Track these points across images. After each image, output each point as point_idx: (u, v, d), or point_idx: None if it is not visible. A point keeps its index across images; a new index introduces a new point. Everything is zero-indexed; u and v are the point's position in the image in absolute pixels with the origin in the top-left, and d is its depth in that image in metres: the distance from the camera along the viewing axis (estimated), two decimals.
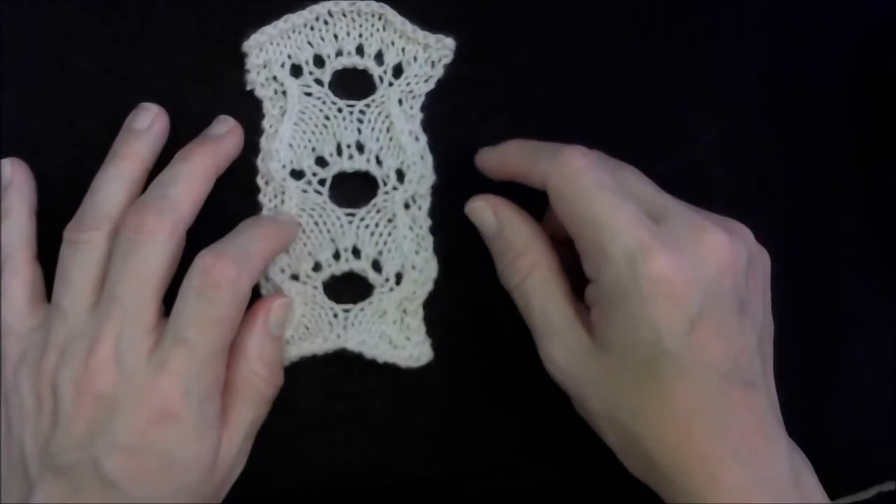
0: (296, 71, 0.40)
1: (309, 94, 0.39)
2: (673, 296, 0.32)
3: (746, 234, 0.36)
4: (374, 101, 0.40)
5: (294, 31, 0.39)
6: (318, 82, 0.40)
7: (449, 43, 0.40)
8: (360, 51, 0.40)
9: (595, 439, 0.36)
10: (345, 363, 0.39)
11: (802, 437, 0.35)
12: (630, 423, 0.34)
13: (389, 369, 0.40)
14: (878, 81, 0.44)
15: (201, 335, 0.34)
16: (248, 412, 0.36)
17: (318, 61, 0.40)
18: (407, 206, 0.39)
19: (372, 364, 0.39)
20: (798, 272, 0.43)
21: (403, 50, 0.40)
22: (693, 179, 0.42)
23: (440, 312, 0.40)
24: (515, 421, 0.41)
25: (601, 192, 0.34)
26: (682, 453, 0.33)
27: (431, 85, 0.40)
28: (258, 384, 0.36)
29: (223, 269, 0.34)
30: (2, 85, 0.38)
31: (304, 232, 0.39)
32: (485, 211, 0.37)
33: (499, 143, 0.38)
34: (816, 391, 0.43)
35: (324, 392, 0.40)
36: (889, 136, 0.44)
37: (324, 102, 0.39)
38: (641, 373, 0.33)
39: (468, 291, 0.40)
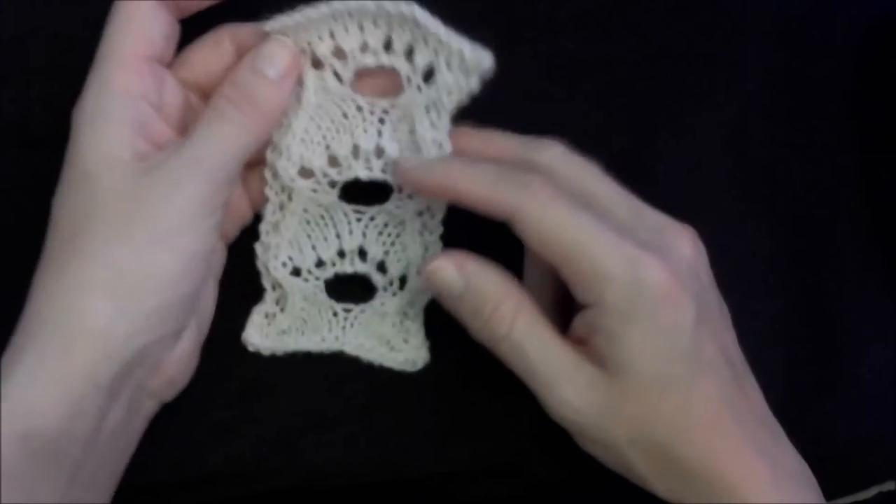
0: (315, 63, 0.36)
1: (327, 87, 0.36)
2: (674, 301, 0.33)
3: (689, 227, 0.36)
4: (399, 103, 0.36)
5: (317, 21, 0.35)
6: (338, 77, 0.36)
7: (485, 60, 0.35)
8: (388, 46, 0.35)
9: None
10: (345, 363, 0.39)
11: (802, 437, 0.35)
12: (660, 437, 0.33)
13: (389, 370, 0.40)
14: (879, 81, 0.44)
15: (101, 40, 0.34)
16: (204, 127, 0.34)
17: (340, 54, 0.36)
18: (420, 213, 0.38)
19: (372, 364, 0.39)
20: (797, 272, 0.43)
21: (436, 52, 0.35)
22: (693, 179, 0.42)
23: (441, 311, 0.40)
24: (515, 421, 0.41)
25: (579, 214, 0.33)
26: (714, 454, 0.33)
27: (464, 98, 0.35)
28: (220, 102, 0.34)
29: None
30: (2, 84, 0.39)
31: (308, 224, 0.38)
32: (446, 270, 0.35)
33: None
34: (816, 391, 0.43)
35: (324, 392, 0.40)
36: (889, 136, 0.44)
37: (343, 99, 0.36)
38: (662, 383, 0.33)
39: None
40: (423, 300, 0.39)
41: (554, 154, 0.35)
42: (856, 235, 0.44)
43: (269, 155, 0.37)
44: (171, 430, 0.38)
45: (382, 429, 0.40)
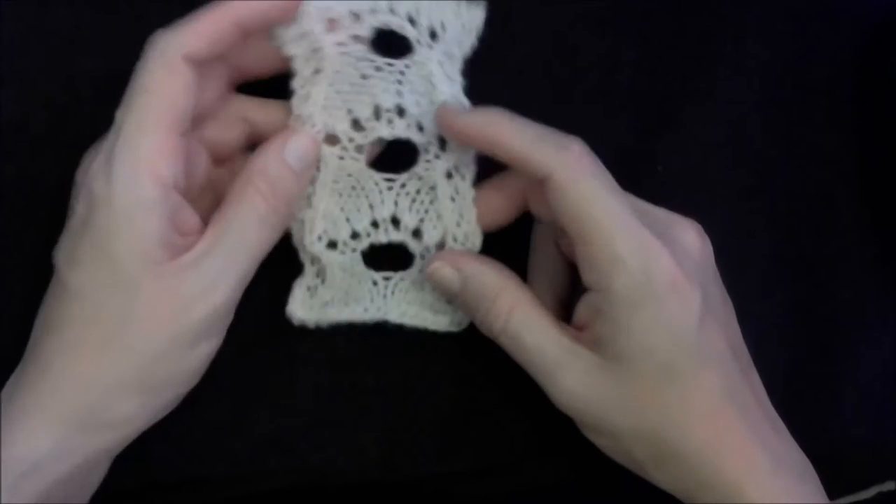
0: (331, 26, 0.36)
1: (345, 53, 0.36)
2: (681, 294, 0.33)
3: (695, 222, 0.36)
4: (414, 61, 0.37)
5: None
6: (357, 38, 0.36)
7: (478, 13, 0.37)
8: (392, 10, 0.36)
9: None
10: (344, 363, 0.40)
11: (802, 437, 0.35)
12: (659, 427, 0.33)
13: (389, 369, 0.40)
14: (879, 81, 0.44)
15: (127, 108, 0.33)
16: (238, 224, 0.33)
17: (355, 16, 0.36)
18: (449, 175, 0.38)
19: (371, 364, 0.39)
20: (797, 272, 0.43)
21: (434, 14, 0.36)
22: (693, 179, 0.42)
23: None
24: (515, 421, 0.41)
25: (609, 194, 0.33)
26: (713, 447, 0.33)
27: (466, 50, 0.37)
28: (253, 197, 0.34)
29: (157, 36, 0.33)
30: (2, 84, 0.38)
31: (340, 196, 0.38)
32: (443, 269, 0.36)
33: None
34: (816, 391, 0.43)
35: (324, 392, 0.40)
36: (889, 136, 0.44)
37: (360, 59, 0.36)
38: (663, 374, 0.33)
39: None
40: None
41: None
42: (855, 235, 0.44)
43: (292, 125, 0.37)
44: (171, 430, 0.38)
45: (382, 429, 0.40)
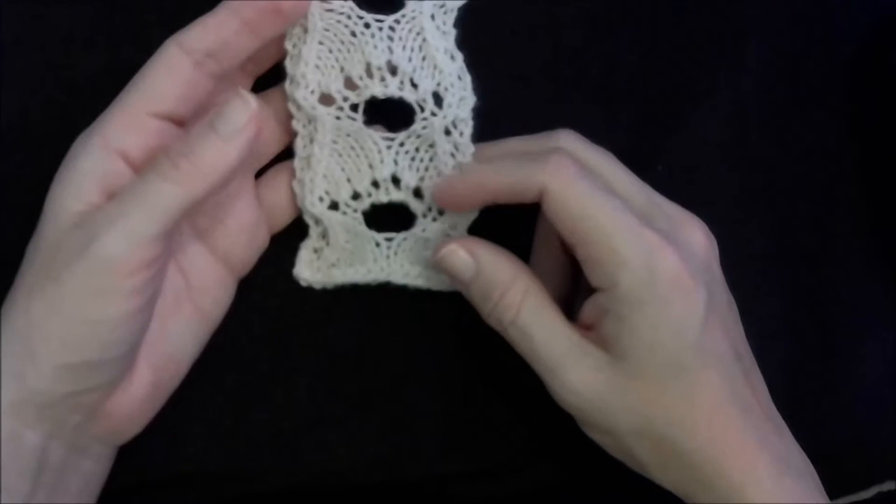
0: None
1: (331, 10, 0.36)
2: (686, 292, 0.33)
3: (700, 220, 0.36)
4: (404, 15, 0.36)
5: None
6: None
7: None
8: None
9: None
10: (344, 363, 0.40)
11: (802, 437, 0.36)
12: (663, 426, 0.33)
13: (388, 369, 0.40)
14: (879, 81, 0.44)
15: None
16: (140, 180, 0.32)
17: None
18: (448, 131, 0.37)
19: (371, 364, 0.39)
20: (797, 272, 0.43)
21: None
22: (693, 179, 0.42)
23: (439, 314, 0.40)
24: (515, 421, 0.41)
25: (603, 197, 0.33)
26: (715, 446, 0.33)
27: (461, 3, 0.37)
28: (161, 158, 0.32)
29: None
30: (2, 85, 0.38)
31: (340, 156, 0.38)
32: (458, 253, 0.35)
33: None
34: (816, 391, 0.43)
35: (324, 392, 0.40)
36: (889, 136, 0.44)
37: (349, 17, 0.36)
38: (668, 372, 0.33)
39: None
40: (465, 222, 0.38)
41: (569, 140, 0.36)
42: (855, 235, 0.44)
43: (287, 87, 0.37)
44: (170, 429, 0.38)
45: (382, 429, 0.40)
